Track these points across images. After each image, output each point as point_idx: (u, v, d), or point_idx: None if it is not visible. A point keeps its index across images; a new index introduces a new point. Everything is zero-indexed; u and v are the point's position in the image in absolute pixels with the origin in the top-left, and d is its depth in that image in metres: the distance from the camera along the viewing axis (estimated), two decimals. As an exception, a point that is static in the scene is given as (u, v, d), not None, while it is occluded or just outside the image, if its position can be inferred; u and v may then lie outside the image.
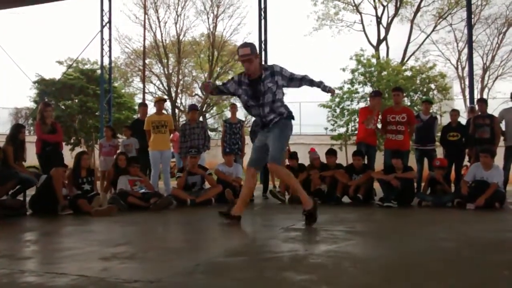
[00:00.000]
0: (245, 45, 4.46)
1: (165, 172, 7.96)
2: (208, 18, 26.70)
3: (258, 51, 4.45)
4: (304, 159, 8.22)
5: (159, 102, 8.09)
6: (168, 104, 26.67)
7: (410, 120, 7.33)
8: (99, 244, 3.67)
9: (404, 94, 16.26)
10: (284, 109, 4.60)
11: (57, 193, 5.80)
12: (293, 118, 4.68)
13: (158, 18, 26.65)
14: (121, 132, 16.12)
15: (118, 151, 8.30)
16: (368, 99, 8.05)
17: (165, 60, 27.05)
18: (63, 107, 20.30)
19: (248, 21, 27.23)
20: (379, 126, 7.63)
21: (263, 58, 12.78)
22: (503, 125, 7.87)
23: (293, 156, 7.81)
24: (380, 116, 7.61)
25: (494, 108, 16.79)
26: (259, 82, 4.47)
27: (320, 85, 4.72)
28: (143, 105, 9.60)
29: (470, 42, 11.22)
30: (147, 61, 24.99)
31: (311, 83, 4.71)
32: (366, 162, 7.43)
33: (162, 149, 7.66)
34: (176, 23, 26.83)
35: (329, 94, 4.84)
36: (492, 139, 7.67)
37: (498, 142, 7.76)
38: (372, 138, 7.58)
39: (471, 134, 7.75)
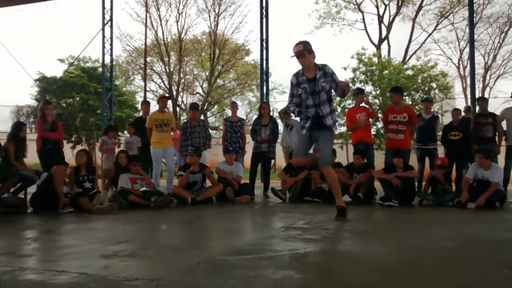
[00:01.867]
0: (299, 43, 4.75)
1: (168, 170, 7.95)
2: (209, 16, 26.68)
3: (312, 49, 4.77)
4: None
5: (163, 100, 8.01)
6: (169, 102, 26.66)
7: (411, 120, 7.32)
8: (99, 242, 3.67)
9: (405, 93, 16.34)
10: (335, 117, 4.96)
11: (58, 190, 5.81)
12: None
13: (159, 16, 26.61)
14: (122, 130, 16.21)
15: (119, 149, 8.29)
16: (362, 97, 8.21)
17: (167, 58, 27.02)
18: (64, 105, 20.32)
19: (249, 19, 27.18)
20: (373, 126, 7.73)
21: (264, 56, 12.75)
22: (504, 125, 7.86)
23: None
24: (381, 115, 7.66)
25: (495, 107, 16.77)
26: (315, 81, 4.78)
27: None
28: (145, 103, 9.59)
29: (471, 41, 11.17)
30: (148, 59, 24.99)
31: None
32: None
33: (165, 146, 7.66)
34: (177, 21, 26.80)
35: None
36: (494, 137, 7.70)
37: (500, 140, 7.77)
38: (369, 136, 7.69)
39: (472, 132, 7.77)
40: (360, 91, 8.13)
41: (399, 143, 7.20)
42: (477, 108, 8.36)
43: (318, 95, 4.77)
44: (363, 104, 7.83)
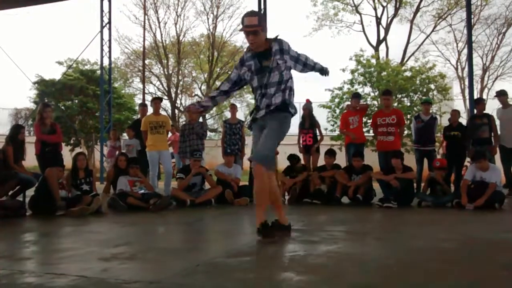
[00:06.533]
0: (252, 13, 3.69)
1: (166, 172, 7.91)
2: (208, 19, 26.70)
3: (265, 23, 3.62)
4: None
5: (156, 102, 8.08)
6: (168, 105, 26.71)
7: (400, 122, 7.52)
8: (98, 244, 3.67)
9: (404, 95, 16.37)
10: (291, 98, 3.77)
11: (53, 192, 5.78)
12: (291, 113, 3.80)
13: (158, 18, 26.63)
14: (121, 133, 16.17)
15: (118, 152, 8.28)
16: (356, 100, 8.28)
17: (165, 61, 27.02)
18: (63, 107, 20.27)
19: (248, 22, 27.15)
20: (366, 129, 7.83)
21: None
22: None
23: (295, 157, 7.76)
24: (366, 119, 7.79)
25: (493, 109, 16.81)
26: (268, 55, 3.63)
27: (320, 70, 4.10)
28: (143, 106, 9.59)
29: (469, 42, 11.20)
30: (147, 61, 24.98)
31: (313, 68, 4.01)
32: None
33: (160, 149, 7.66)
34: (176, 24, 26.80)
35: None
36: (491, 139, 7.73)
37: (496, 141, 7.79)
38: (361, 138, 7.82)
39: (468, 134, 7.80)
40: (356, 95, 8.27)
41: (388, 145, 7.37)
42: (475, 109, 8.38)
43: (269, 74, 3.65)
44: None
